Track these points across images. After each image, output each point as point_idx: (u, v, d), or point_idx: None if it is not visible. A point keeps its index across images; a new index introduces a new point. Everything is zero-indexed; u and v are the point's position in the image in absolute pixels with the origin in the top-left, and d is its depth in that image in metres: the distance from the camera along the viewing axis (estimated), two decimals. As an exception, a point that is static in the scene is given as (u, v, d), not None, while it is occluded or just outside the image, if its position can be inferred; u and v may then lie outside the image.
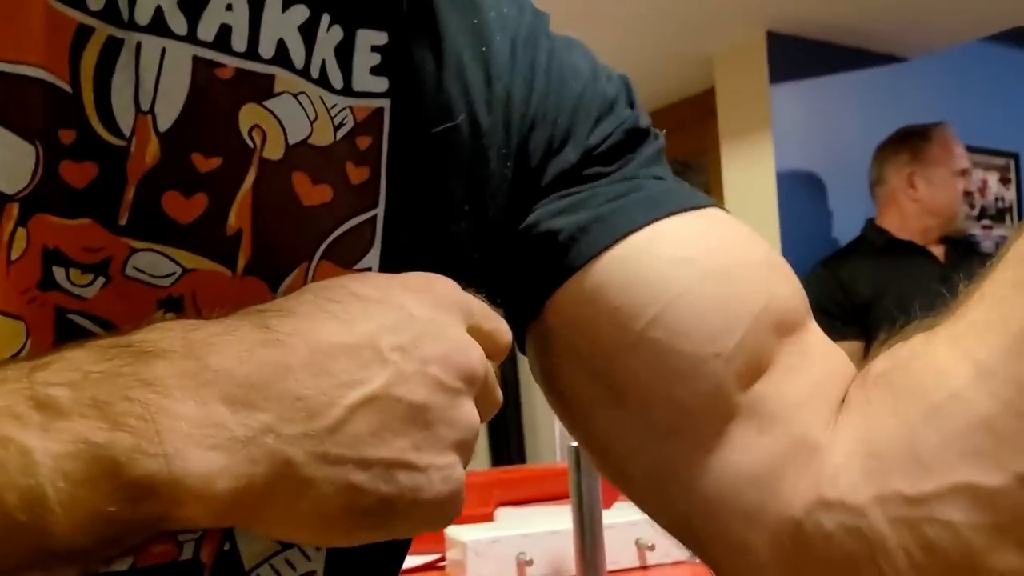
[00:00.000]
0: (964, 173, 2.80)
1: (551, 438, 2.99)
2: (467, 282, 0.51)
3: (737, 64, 3.24)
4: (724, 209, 0.62)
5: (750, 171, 3.18)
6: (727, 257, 0.58)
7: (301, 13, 0.53)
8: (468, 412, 0.46)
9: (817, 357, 0.59)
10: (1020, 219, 3.71)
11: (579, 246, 0.58)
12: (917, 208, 2.83)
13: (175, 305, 0.50)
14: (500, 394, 0.51)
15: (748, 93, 3.18)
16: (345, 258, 0.55)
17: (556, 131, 0.62)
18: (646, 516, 0.60)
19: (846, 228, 3.06)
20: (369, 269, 0.56)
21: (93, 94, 0.47)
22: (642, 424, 0.57)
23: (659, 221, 0.59)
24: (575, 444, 0.96)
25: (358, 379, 0.41)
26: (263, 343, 0.40)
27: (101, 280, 0.47)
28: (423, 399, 0.43)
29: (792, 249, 3.04)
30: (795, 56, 3.17)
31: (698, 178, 4.53)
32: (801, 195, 3.15)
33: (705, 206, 0.61)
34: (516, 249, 0.61)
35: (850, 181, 3.09)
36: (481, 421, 0.49)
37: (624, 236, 0.58)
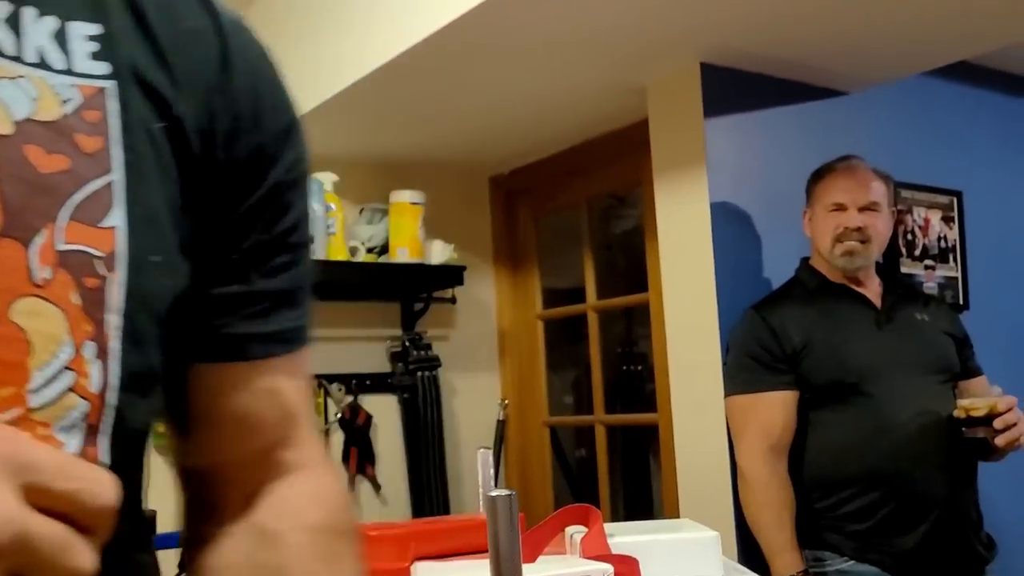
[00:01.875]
0: (838, 208, 2.92)
1: (477, 487, 3.13)
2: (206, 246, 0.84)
3: (671, 95, 3.39)
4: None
5: (684, 205, 3.31)
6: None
7: (4, 9, 0.73)
8: None
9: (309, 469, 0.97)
10: (964, 259, 3.92)
11: (255, 348, 0.91)
12: (815, 248, 3.04)
13: None
14: (67, 558, 0.55)
15: (682, 125, 3.32)
16: (89, 217, 0.73)
17: (267, 145, 0.89)
18: (569, 571, 0.79)
19: (782, 264, 3.19)
20: (114, 228, 0.74)
21: None
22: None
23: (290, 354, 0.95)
24: (494, 493, 1.00)
25: None
26: None
27: None
28: None
29: (726, 284, 3.20)
30: (730, 88, 3.33)
31: (632, 212, 4.71)
32: (736, 230, 3.29)
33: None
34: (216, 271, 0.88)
35: (786, 217, 3.23)
36: None
37: (283, 354, 0.94)
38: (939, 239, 3.86)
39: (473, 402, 4.53)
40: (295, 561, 0.88)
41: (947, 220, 3.89)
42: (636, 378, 5.03)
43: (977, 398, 2.77)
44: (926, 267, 3.80)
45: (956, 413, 2.77)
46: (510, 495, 1.05)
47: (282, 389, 0.93)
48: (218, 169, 0.84)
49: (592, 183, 4.30)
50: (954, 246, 3.91)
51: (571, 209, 4.49)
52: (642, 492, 5.00)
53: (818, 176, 3.03)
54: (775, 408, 2.85)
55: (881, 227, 2.97)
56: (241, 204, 0.87)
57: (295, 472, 0.93)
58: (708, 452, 3.20)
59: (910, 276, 3.73)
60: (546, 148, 4.34)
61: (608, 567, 1.32)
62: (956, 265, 3.90)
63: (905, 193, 3.71)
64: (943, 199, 3.90)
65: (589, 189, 4.34)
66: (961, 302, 3.88)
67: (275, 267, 0.90)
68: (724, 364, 3.07)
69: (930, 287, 3.76)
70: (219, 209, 0.85)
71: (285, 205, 0.90)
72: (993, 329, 3.75)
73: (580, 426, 5.00)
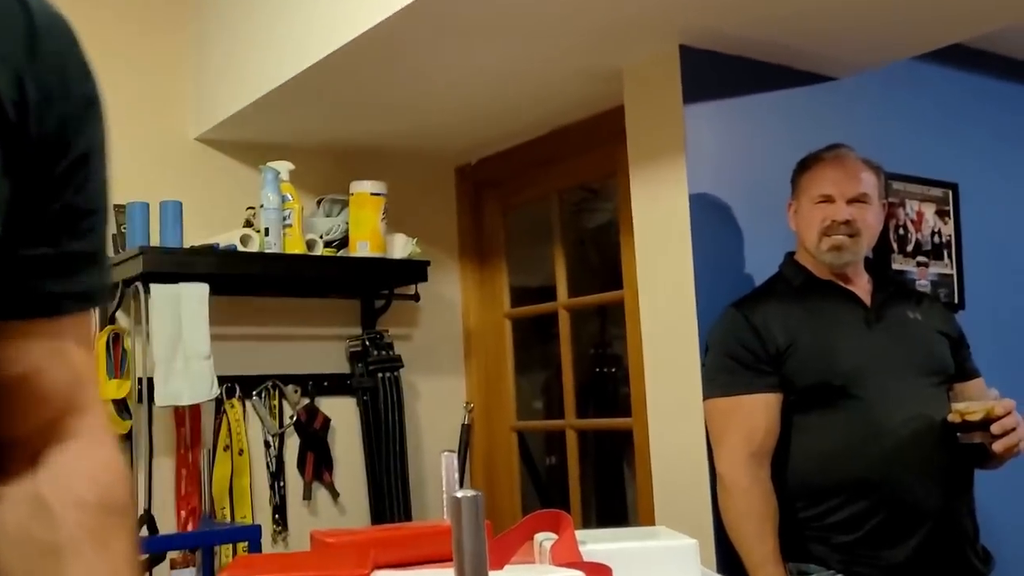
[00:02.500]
0: (825, 200, 2.93)
1: (440, 495, 3.12)
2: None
3: (648, 80, 3.39)
4: None
5: (661, 197, 3.31)
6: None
7: None
8: None
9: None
10: (959, 256, 3.94)
11: (66, 304, 1.06)
12: (801, 242, 3.05)
13: None
14: None
15: (659, 112, 3.33)
16: None
17: (73, 115, 1.03)
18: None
19: (765, 260, 3.19)
20: None
21: None
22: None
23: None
24: (459, 494, 1.02)
25: None
26: None
27: None
28: None
29: (706, 280, 3.20)
30: (711, 73, 3.33)
31: (606, 205, 4.72)
32: (716, 223, 3.29)
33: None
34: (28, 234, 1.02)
35: (770, 209, 3.23)
36: None
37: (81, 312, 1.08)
38: (933, 234, 3.87)
39: (437, 405, 4.53)
40: (67, 540, 1.01)
41: (941, 214, 3.90)
42: (609, 381, 5.04)
43: (973, 401, 2.77)
44: (919, 264, 3.81)
45: (951, 417, 2.77)
46: (476, 496, 1.05)
47: (72, 352, 1.06)
48: (31, 138, 0.99)
49: (564, 174, 4.29)
50: (949, 241, 3.92)
51: (541, 202, 4.49)
52: (615, 501, 5.00)
53: (804, 166, 3.03)
54: (757, 411, 2.85)
55: (871, 220, 2.97)
56: (53, 170, 1.01)
57: (78, 439, 1.06)
58: (686, 458, 3.19)
59: (902, 273, 3.74)
60: (515, 137, 4.33)
61: (580, 575, 1.31)
62: (951, 262, 3.91)
63: (897, 185, 3.72)
64: (937, 192, 3.91)
65: (561, 180, 4.34)
66: (956, 301, 3.89)
67: (82, 230, 1.05)
68: (703, 365, 3.07)
69: (923, 285, 3.77)
70: (33, 174, 1.00)
71: (91, 171, 1.05)
72: (990, 329, 3.77)
73: (550, 432, 5.00)
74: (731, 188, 3.34)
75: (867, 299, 2.99)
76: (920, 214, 3.84)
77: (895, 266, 3.73)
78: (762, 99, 3.45)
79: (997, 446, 2.71)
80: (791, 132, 3.44)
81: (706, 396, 2.99)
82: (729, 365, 2.92)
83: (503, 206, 4.67)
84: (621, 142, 3.53)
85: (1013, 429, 2.71)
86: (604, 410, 4.98)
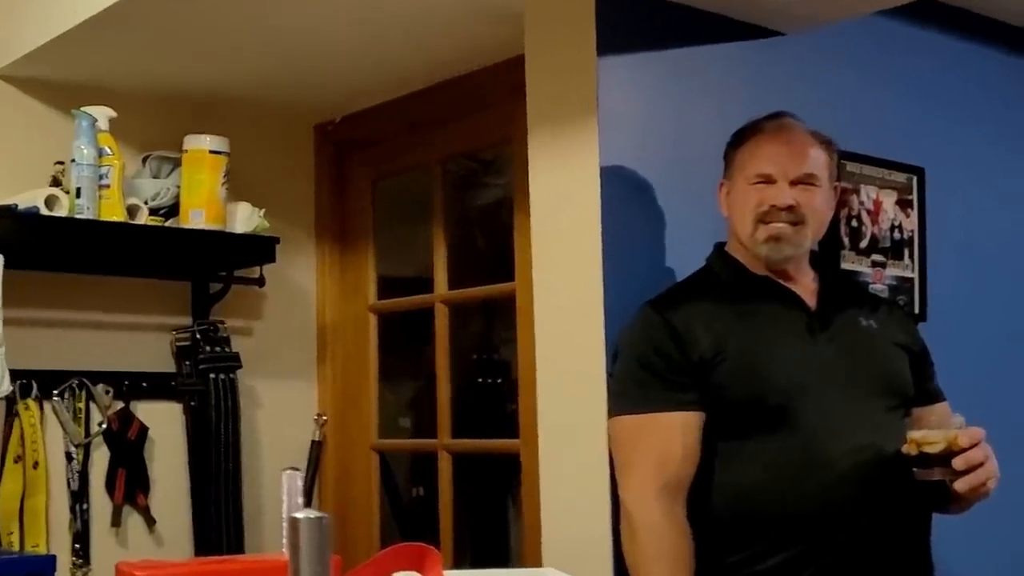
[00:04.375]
0: (764, 181, 2.92)
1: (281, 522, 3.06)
2: None
3: (555, 24, 3.36)
4: None
5: (566, 169, 3.30)
6: None
7: None
8: None
9: None
10: (923, 256, 3.95)
11: None
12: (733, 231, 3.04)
13: None
14: None
15: (568, 64, 3.30)
16: None
17: None
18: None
19: (690, 251, 3.18)
20: None
21: None
22: None
23: None
24: (299, 515, 1.03)
25: None
26: None
27: None
28: None
29: (617, 273, 3.18)
30: (633, 18, 3.31)
31: (499, 181, 4.70)
32: (632, 204, 3.28)
33: None
34: None
35: (698, 189, 3.22)
36: None
37: None
38: (892, 228, 3.89)
39: (281, 416, 4.53)
40: None
41: (904, 204, 3.92)
42: (495, 393, 5.03)
43: (933, 430, 2.76)
44: (874, 263, 3.83)
45: (906, 449, 2.77)
46: (320, 519, 1.04)
47: None
48: None
49: (448, 139, 4.28)
50: (911, 238, 3.94)
51: (419, 172, 4.50)
52: (496, 538, 5.02)
53: (741, 138, 3.02)
54: (674, 433, 2.82)
55: (818, 206, 2.96)
56: None
57: None
58: (584, 488, 3.19)
59: (854, 274, 3.75)
60: (389, 90, 4.32)
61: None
62: (912, 263, 3.93)
63: (851, 166, 3.73)
64: (900, 177, 3.93)
65: (444, 146, 4.32)
66: (917, 310, 3.91)
67: None
68: (609, 376, 3.05)
69: (879, 289, 3.79)
70: None
71: None
72: (956, 345, 3.79)
73: (419, 453, 5.00)
74: (652, 162, 3.33)
75: (811, 301, 2.98)
76: (878, 203, 3.85)
77: (845, 265, 3.74)
78: (694, 54, 3.45)
79: (960, 485, 2.70)
80: (727, 96, 3.44)
81: (612, 413, 2.96)
82: (641, 376, 2.90)
83: (372, 175, 4.65)
84: (519, 101, 3.49)
85: (980, 464, 2.69)
86: (487, 429, 4.96)
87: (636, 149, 3.31)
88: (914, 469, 2.75)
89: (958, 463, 2.68)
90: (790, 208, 2.90)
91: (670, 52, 3.40)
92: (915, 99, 3.99)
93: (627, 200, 3.27)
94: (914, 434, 2.76)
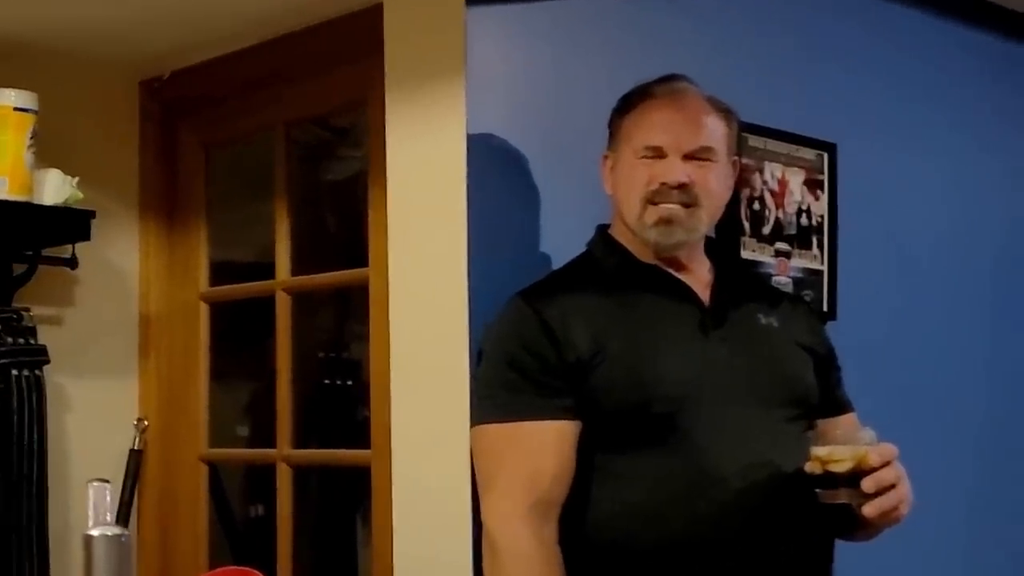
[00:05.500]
0: (654, 154, 2.90)
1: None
2: None
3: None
4: None
5: (428, 137, 3.30)
6: None
7: None
8: None
9: None
10: (833, 245, 3.97)
11: None
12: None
13: None
14: None
15: (432, 15, 3.30)
16: None
17: None
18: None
19: (569, 234, 3.18)
20: None
21: None
22: None
23: None
24: (95, 532, 1.00)
25: None
26: None
27: None
28: None
29: (485, 260, 3.19)
30: (507, -36, 3.30)
31: (356, 153, 4.67)
32: (504, 179, 3.30)
33: None
34: None
35: (580, 163, 3.23)
36: None
37: None
38: (800, 213, 3.93)
39: (96, 420, 4.47)
40: None
41: (812, 186, 3.95)
42: (345, 397, 5.02)
43: (840, 446, 2.75)
44: (778, 253, 3.86)
45: (809, 467, 2.75)
46: (119, 536, 1.00)
47: None
48: None
49: (293, 100, 4.22)
50: (820, 225, 3.97)
51: (261, 138, 4.42)
52: (342, 561, 5.01)
53: (628, 104, 3.01)
54: (546, 445, 2.80)
55: (715, 186, 2.96)
56: None
57: None
58: (441, 507, 3.20)
59: (755, 265, 3.78)
60: (226, 42, 4.26)
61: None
62: (821, 253, 3.96)
63: (754, 140, 3.76)
64: (809, 155, 3.96)
65: (290, 109, 4.27)
66: (825, 307, 3.93)
67: None
68: (473, 378, 3.03)
69: (782, 282, 3.80)
70: None
71: None
72: (869, 347, 3.83)
73: (256, 465, 4.96)
74: (528, 130, 3.34)
75: (704, 295, 2.98)
76: (784, 184, 3.88)
77: (745, 254, 3.77)
78: (579, 7, 3.46)
79: (869, 509, 2.68)
80: (617, 57, 3.46)
81: (476, 421, 2.93)
82: (510, 379, 2.87)
83: (205, 140, 4.60)
84: (376, 58, 3.50)
85: (892, 487, 2.69)
86: (336, 438, 4.94)
87: (510, 115, 3.32)
88: (817, 490, 2.73)
89: (867, 484, 2.66)
90: (683, 186, 2.89)
91: (549, 4, 3.39)
92: (831, 66, 4.04)
93: (498, 174, 3.28)
94: (818, 450, 2.74)
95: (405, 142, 3.37)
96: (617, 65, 3.36)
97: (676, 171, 2.88)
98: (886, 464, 2.67)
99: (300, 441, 4.29)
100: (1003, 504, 4.63)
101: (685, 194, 2.89)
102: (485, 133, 3.24)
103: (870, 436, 2.73)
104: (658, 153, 2.90)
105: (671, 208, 2.89)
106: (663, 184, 2.88)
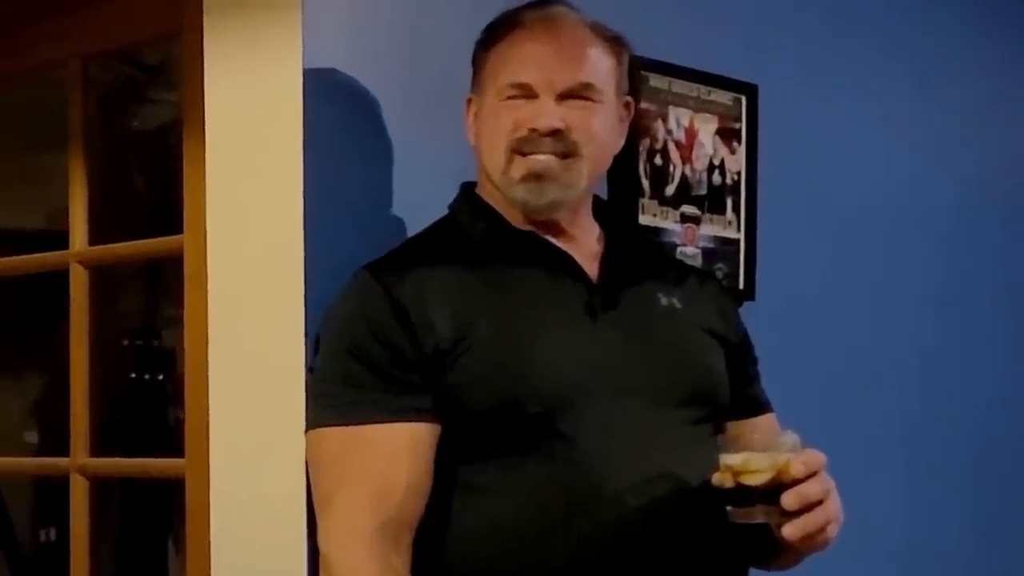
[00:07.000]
0: (521, 94, 2.89)
1: None
2: None
3: None
4: None
5: (256, 74, 3.27)
6: None
7: None
8: None
9: None
10: (752, 208, 3.98)
11: None
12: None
13: None
14: None
15: (259, -75, 3.27)
16: None
17: None
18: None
19: (428, 194, 3.19)
20: None
21: None
22: None
23: None
24: None
25: None
26: None
27: None
28: None
29: (325, 227, 3.17)
30: None
31: (170, 96, 4.63)
32: (349, 125, 3.29)
33: None
34: None
35: (442, 106, 3.24)
36: None
37: None
38: (712, 169, 3.95)
39: None
40: None
41: (727, 136, 3.98)
42: (156, 393, 4.98)
43: (757, 454, 2.72)
44: (685, 217, 3.88)
45: (718, 478, 2.72)
46: None
47: None
48: None
49: (93, 29, 4.16)
50: (737, 184, 4.01)
51: (53, 76, 4.35)
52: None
53: (494, 35, 3.00)
54: (397, 453, 2.79)
55: (600, 131, 2.96)
56: None
57: None
58: (270, 528, 3.19)
59: (656, 232, 3.79)
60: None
61: None
62: (738, 218, 3.99)
63: (655, 80, 3.79)
64: (724, 98, 3.99)
65: (87, 40, 4.20)
66: (742, 284, 3.95)
67: None
68: (309, 371, 3.01)
69: (690, 253, 3.81)
70: None
71: None
72: (793, 335, 3.84)
73: (47, 479, 4.89)
74: (378, 66, 3.35)
75: (592, 269, 2.98)
76: (692, 133, 3.90)
77: (645, 219, 3.79)
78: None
79: (791, 530, 2.64)
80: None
81: (311, 424, 2.91)
82: (354, 372, 2.85)
83: (-13, 75, 4.51)
84: (192, -24, 3.47)
85: (818, 503, 2.66)
86: (146, 444, 4.90)
87: (355, 47, 3.32)
88: (728, 507, 2.70)
89: (788, 501, 2.62)
90: (556, 133, 2.87)
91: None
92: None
93: (341, 120, 3.28)
94: (730, 459, 2.70)
95: (227, 81, 3.35)
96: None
97: (548, 114, 2.86)
98: (812, 476, 2.64)
99: (99, 447, 4.25)
100: (941, 514, 4.66)
101: (560, 142, 2.87)
102: (326, 69, 3.24)
103: (792, 442, 2.69)
104: (527, 92, 2.89)
105: (542, 159, 2.88)
106: (532, 130, 2.87)
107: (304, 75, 3.16)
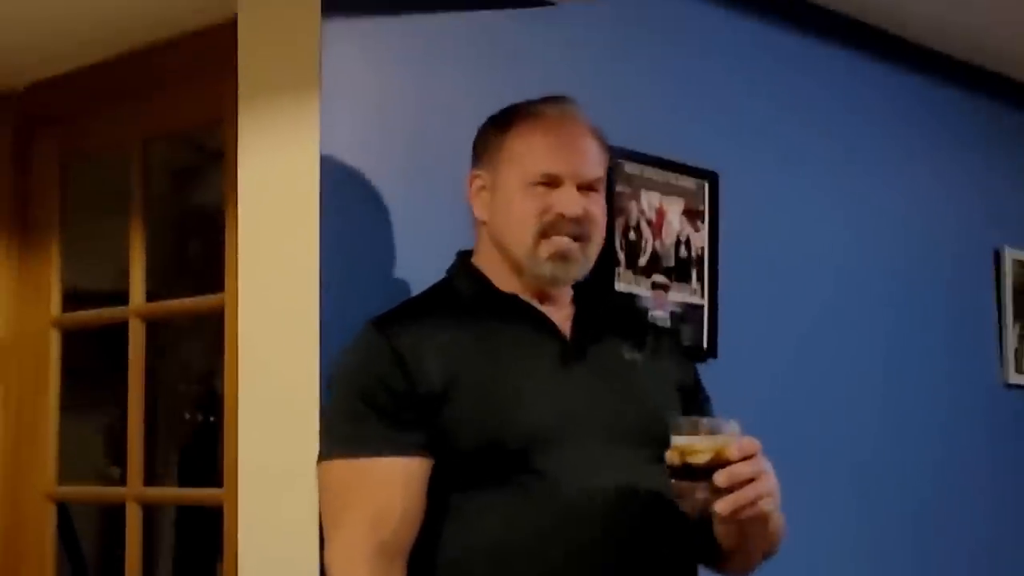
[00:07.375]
0: (549, 183, 2.88)
1: None
2: None
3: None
4: None
5: (281, 156, 3.29)
6: None
7: None
8: None
9: None
10: (714, 278, 3.97)
11: None
12: (487, 237, 3.00)
13: None
14: None
15: (285, 29, 3.29)
16: None
17: None
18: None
19: (429, 261, 3.17)
20: None
21: None
22: None
23: None
24: None
25: None
26: None
27: None
28: None
29: (338, 287, 3.17)
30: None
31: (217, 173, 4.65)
32: (359, 202, 3.28)
33: None
34: None
35: (442, 184, 3.26)
36: None
37: None
38: (679, 244, 3.94)
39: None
40: None
41: (692, 216, 3.97)
42: (208, 434, 4.94)
43: (701, 436, 2.63)
44: (655, 285, 3.86)
45: (668, 456, 2.65)
46: None
47: None
48: None
49: (151, 116, 4.18)
50: (700, 256, 3.98)
51: (119, 155, 4.36)
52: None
53: (509, 121, 2.98)
54: (393, 483, 2.78)
55: (602, 219, 2.97)
56: None
57: None
58: (288, 549, 3.18)
59: (629, 297, 3.79)
60: (83, 54, 4.23)
61: None
62: (701, 286, 3.98)
63: (630, 167, 3.78)
64: (689, 183, 3.97)
65: (148, 123, 4.21)
66: (706, 344, 3.93)
67: None
68: (323, 410, 3.01)
69: (659, 316, 3.80)
70: None
71: None
72: (753, 390, 3.83)
73: (107, 505, 4.89)
74: (386, 150, 3.34)
75: (565, 327, 2.97)
76: (662, 213, 3.89)
77: (621, 286, 3.78)
78: (442, 22, 3.46)
79: (721, 504, 2.58)
80: (481, 75, 3.47)
81: (322, 456, 2.90)
82: (360, 412, 2.84)
83: (64, 155, 4.54)
84: (232, 74, 3.48)
85: (750, 481, 2.60)
86: (200, 476, 4.89)
87: (367, 134, 3.31)
88: (672, 481, 2.64)
89: (720, 478, 2.56)
90: (577, 220, 2.88)
91: (413, 18, 3.40)
92: (712, 90, 4.06)
93: (354, 196, 3.27)
94: (678, 440, 2.65)
95: (256, 161, 3.35)
96: (480, 84, 3.37)
97: (575, 202, 2.87)
98: (747, 457, 2.59)
99: (155, 476, 4.24)
100: (889, 559, 4.63)
101: (579, 227, 2.88)
102: (340, 153, 3.23)
103: (733, 429, 2.64)
104: (553, 181, 2.88)
105: (567, 241, 2.88)
106: (561, 216, 2.87)
107: (321, 158, 3.18)
